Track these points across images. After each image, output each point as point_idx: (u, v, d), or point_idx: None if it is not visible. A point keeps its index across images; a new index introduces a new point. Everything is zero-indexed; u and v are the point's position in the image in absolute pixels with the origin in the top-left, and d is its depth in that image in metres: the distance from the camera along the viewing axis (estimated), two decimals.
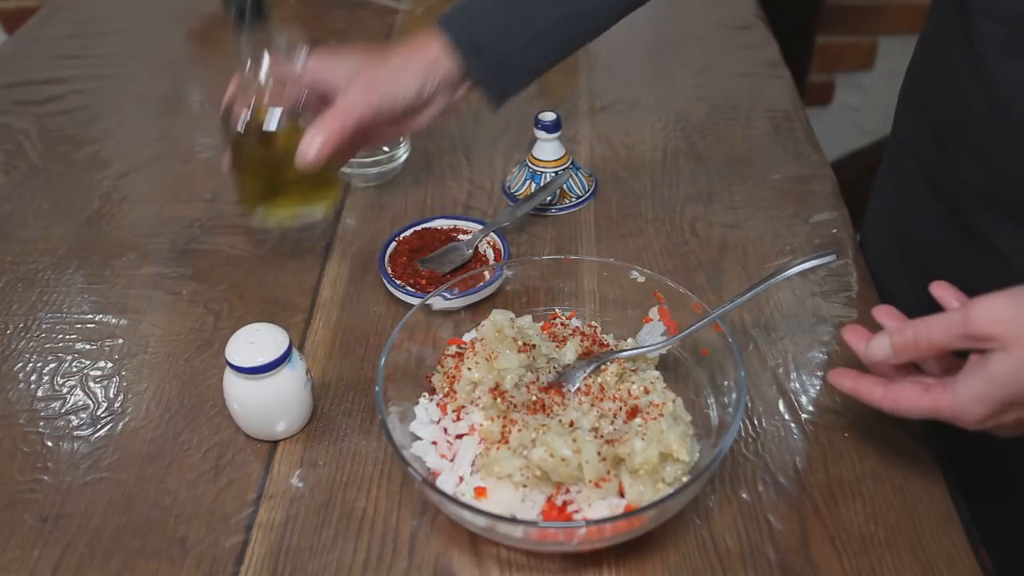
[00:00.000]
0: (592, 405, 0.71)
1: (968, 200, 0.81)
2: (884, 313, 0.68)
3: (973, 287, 0.82)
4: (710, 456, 0.67)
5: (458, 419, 0.72)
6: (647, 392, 0.71)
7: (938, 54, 0.84)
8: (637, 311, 0.81)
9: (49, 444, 0.78)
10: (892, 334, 0.63)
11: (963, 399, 0.59)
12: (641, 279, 0.80)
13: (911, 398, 0.62)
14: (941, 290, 0.66)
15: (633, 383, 0.72)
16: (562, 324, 0.80)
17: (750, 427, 0.76)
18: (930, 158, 0.86)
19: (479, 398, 0.71)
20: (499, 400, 0.70)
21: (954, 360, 0.63)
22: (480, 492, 0.67)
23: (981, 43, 0.75)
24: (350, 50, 0.85)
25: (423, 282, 0.88)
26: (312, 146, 0.78)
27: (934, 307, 0.88)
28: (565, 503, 0.67)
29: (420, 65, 0.81)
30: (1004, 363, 0.57)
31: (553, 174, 1.01)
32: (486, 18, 0.82)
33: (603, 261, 0.85)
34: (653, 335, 0.79)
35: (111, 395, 0.82)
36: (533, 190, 1.01)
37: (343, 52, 0.84)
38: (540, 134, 1.00)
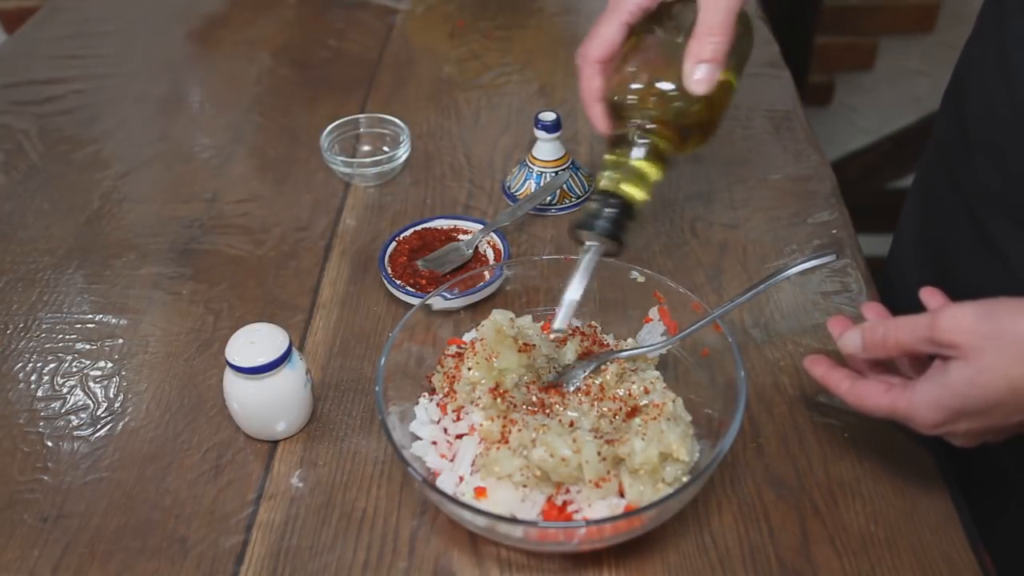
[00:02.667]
0: (592, 405, 0.71)
1: (985, 204, 0.81)
2: (870, 309, 0.69)
3: (983, 293, 0.82)
4: (710, 456, 0.67)
5: (458, 419, 0.72)
6: (647, 392, 0.71)
7: (976, 51, 0.84)
8: (637, 311, 0.81)
9: (49, 444, 0.78)
10: (864, 330, 0.64)
11: (919, 402, 0.60)
12: (641, 279, 0.80)
13: (873, 395, 0.63)
14: (928, 296, 0.67)
15: (633, 383, 0.72)
16: None
17: (749, 427, 0.76)
18: (957, 158, 0.86)
19: (479, 398, 0.71)
20: (499, 400, 0.70)
21: (927, 364, 0.64)
22: (480, 492, 0.67)
23: (1010, 40, 0.75)
24: None
25: (423, 282, 0.88)
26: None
27: None
28: (565, 503, 0.67)
29: None
30: (961, 372, 0.57)
31: (553, 174, 1.01)
32: None
33: (603, 260, 0.85)
34: (653, 335, 0.79)
35: (111, 395, 0.82)
36: (533, 190, 1.01)
37: None
38: (540, 134, 1.00)
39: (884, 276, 1.01)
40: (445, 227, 0.96)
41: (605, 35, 0.74)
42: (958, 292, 0.86)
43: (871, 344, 0.64)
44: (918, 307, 0.92)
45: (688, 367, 0.77)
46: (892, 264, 1.01)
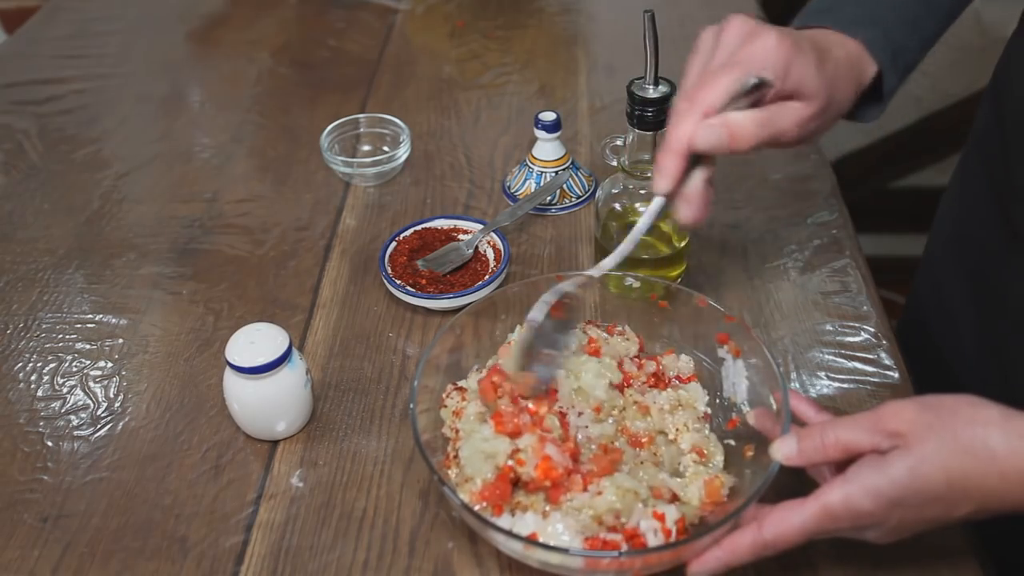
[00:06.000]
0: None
1: (1019, 203, 0.81)
2: (797, 398, 0.66)
3: (1012, 293, 0.82)
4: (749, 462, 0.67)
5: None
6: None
7: (1015, 51, 0.84)
8: (641, 315, 0.80)
9: (49, 444, 0.78)
10: (801, 436, 0.61)
11: (854, 491, 0.57)
12: (636, 284, 0.79)
13: (786, 513, 0.59)
14: (761, 416, 0.66)
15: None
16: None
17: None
18: (994, 155, 0.86)
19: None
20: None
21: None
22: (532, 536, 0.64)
23: None
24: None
25: (423, 282, 0.88)
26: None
27: (975, 307, 0.87)
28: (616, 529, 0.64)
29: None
30: (903, 461, 0.56)
31: (553, 174, 1.01)
32: (899, 14, 0.74)
33: (598, 273, 0.84)
34: (732, 370, 0.75)
35: (111, 395, 0.82)
36: (533, 190, 1.01)
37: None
38: (540, 134, 1.00)
39: (917, 274, 1.01)
40: (445, 227, 0.96)
41: (724, 86, 0.64)
42: (988, 292, 0.86)
43: (809, 449, 0.60)
44: (950, 306, 0.92)
45: (712, 370, 0.76)
46: (925, 263, 1.01)
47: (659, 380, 0.74)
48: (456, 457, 0.68)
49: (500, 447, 0.66)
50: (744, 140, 0.64)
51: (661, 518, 0.63)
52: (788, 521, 0.58)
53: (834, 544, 0.67)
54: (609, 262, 0.69)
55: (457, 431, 0.70)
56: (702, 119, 0.64)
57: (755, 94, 0.65)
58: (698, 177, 0.66)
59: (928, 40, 0.76)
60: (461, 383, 0.74)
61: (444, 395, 0.73)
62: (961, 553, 0.67)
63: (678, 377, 0.75)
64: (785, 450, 0.61)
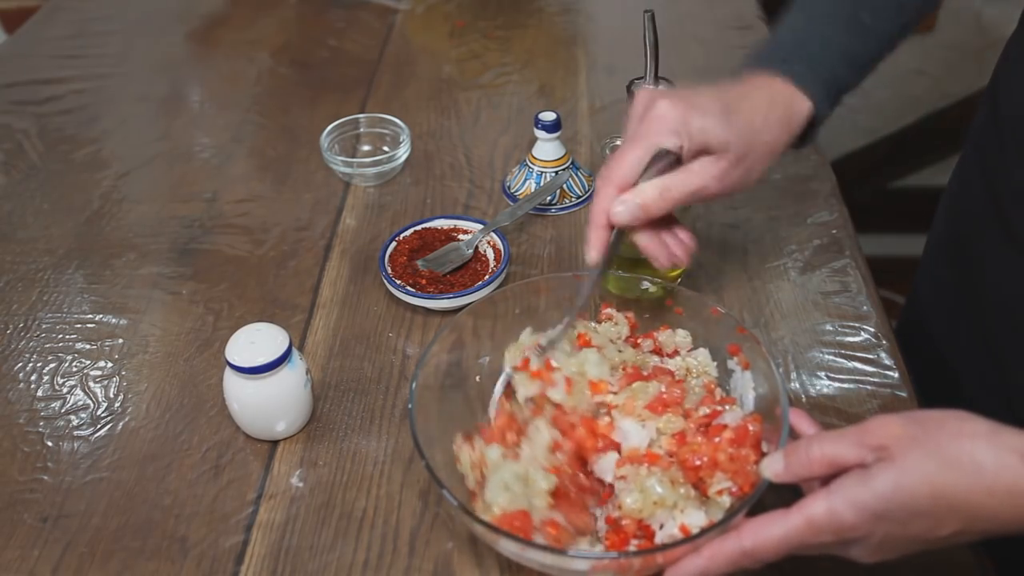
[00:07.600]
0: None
1: (1015, 204, 0.81)
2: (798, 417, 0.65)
3: (1006, 293, 0.82)
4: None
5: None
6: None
7: (1014, 51, 0.84)
8: (652, 320, 0.79)
9: (49, 444, 0.78)
10: (786, 452, 0.60)
11: (837, 502, 0.56)
12: (653, 288, 0.79)
13: (771, 522, 0.58)
14: (798, 418, 0.65)
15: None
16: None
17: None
18: (992, 155, 0.86)
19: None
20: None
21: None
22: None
23: None
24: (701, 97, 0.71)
25: (423, 282, 0.88)
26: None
27: (973, 308, 0.88)
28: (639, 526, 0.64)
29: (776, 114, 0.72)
30: (887, 474, 0.55)
31: (553, 174, 1.01)
32: (828, 48, 0.74)
33: (614, 274, 0.84)
34: (741, 382, 0.74)
35: (111, 395, 0.82)
36: (533, 190, 1.01)
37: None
38: (540, 134, 1.00)
39: (917, 274, 1.01)
40: (445, 227, 0.96)
41: (631, 162, 0.70)
42: (986, 292, 0.86)
43: (795, 464, 0.59)
44: (950, 306, 0.92)
45: (722, 380, 0.75)
46: (925, 263, 1.01)
47: (660, 354, 0.75)
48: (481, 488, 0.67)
49: (534, 478, 0.65)
50: (655, 208, 0.69)
51: (686, 531, 0.62)
52: (769, 531, 0.58)
53: None
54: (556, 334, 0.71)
55: (483, 477, 0.67)
56: (617, 194, 0.69)
57: (667, 158, 0.69)
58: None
59: (865, 67, 0.77)
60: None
61: (455, 447, 0.70)
62: (960, 553, 0.67)
63: (676, 351, 0.75)
64: (774, 467, 0.60)
